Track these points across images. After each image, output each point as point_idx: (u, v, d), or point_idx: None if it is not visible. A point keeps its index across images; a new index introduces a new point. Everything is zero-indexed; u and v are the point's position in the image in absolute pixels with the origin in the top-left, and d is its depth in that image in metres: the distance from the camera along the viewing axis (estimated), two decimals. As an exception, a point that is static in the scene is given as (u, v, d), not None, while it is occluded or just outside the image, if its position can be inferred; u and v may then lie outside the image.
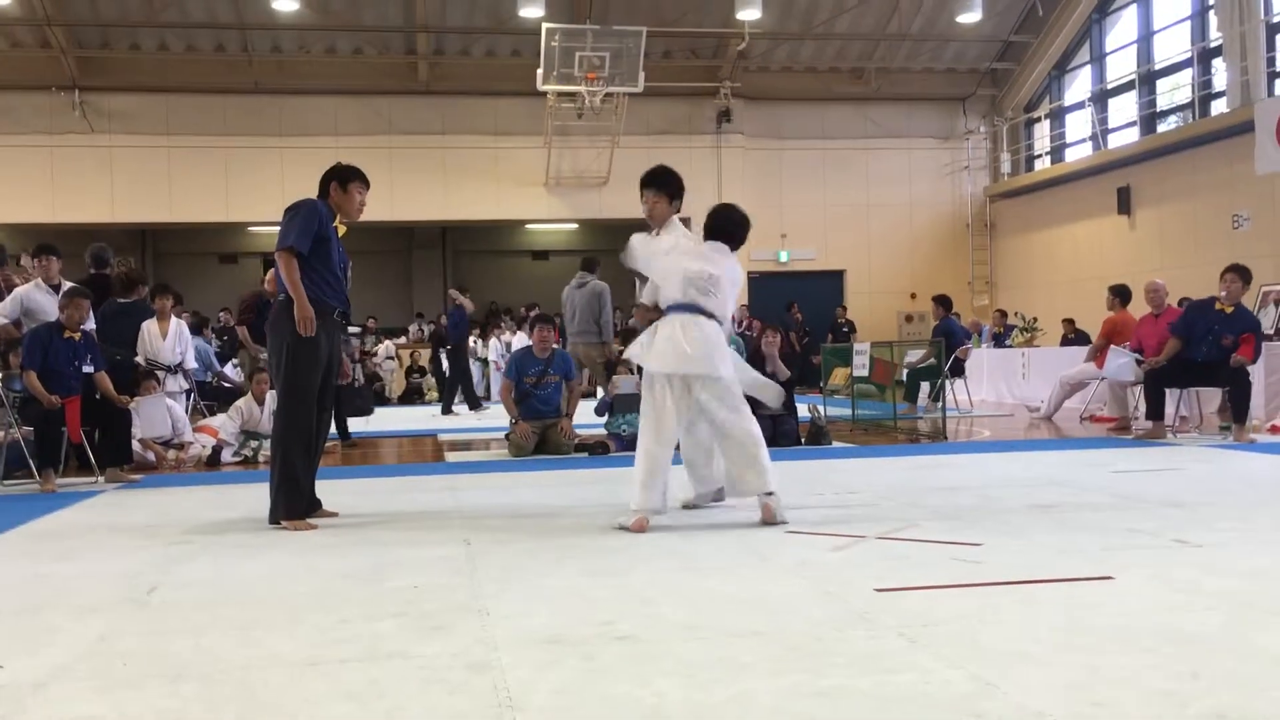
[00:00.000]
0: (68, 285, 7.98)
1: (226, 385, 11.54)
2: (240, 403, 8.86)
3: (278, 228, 5.21)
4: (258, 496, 5.54)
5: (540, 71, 17.06)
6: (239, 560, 4.33)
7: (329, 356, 5.27)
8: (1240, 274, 8.54)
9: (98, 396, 7.38)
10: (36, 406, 7.07)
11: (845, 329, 19.71)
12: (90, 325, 7.76)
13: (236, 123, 19.07)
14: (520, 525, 5.03)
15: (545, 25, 16.79)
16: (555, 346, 8.96)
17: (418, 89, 19.64)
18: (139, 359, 9.14)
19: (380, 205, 18.97)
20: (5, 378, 7.47)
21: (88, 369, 7.32)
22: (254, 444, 8.67)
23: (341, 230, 5.45)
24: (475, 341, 19.69)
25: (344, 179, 5.41)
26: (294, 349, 5.12)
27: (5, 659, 2.91)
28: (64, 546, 4.78)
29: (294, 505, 5.11)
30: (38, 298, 7.94)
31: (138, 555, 4.47)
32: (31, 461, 7.19)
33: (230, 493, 6.71)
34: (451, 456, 8.98)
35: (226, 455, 8.63)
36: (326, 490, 5.70)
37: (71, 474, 7.62)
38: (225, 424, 8.82)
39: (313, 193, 5.42)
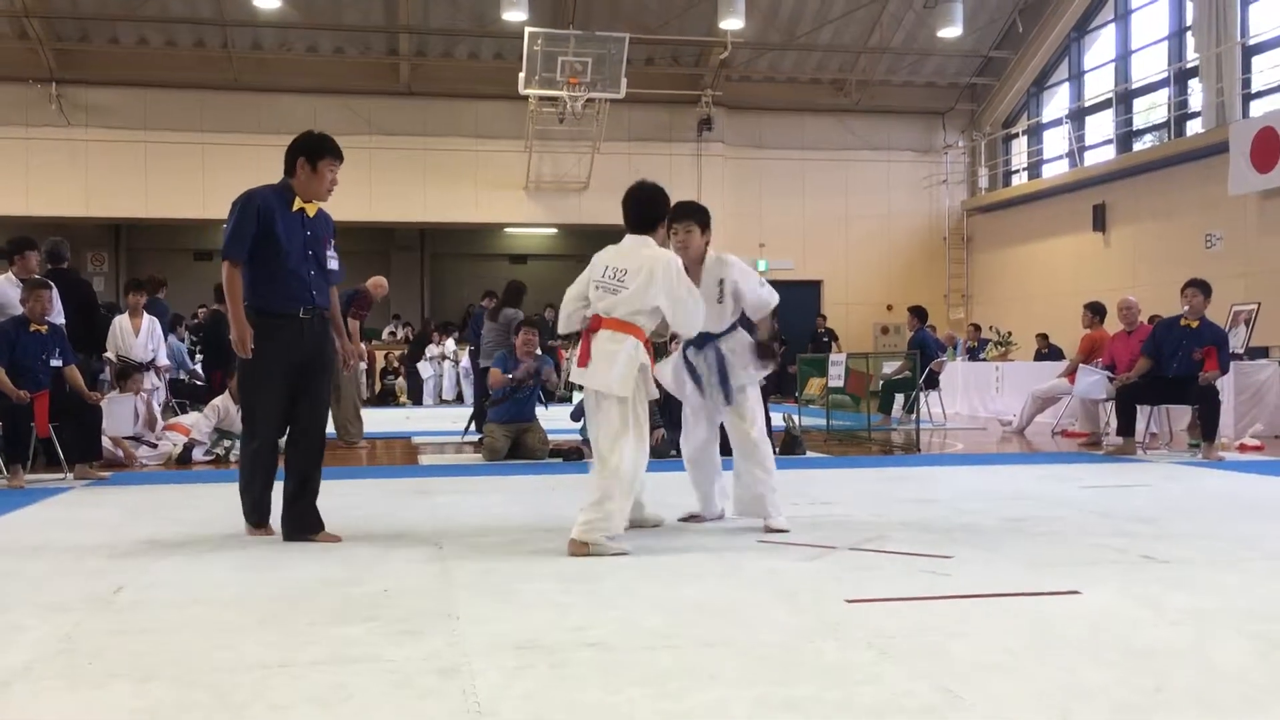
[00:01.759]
0: (10, 277, 7.87)
1: (199, 383, 11.47)
2: (217, 401, 8.81)
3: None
4: (228, 496, 5.48)
5: (522, 75, 17.06)
6: (208, 560, 4.30)
7: (302, 361, 4.72)
8: (1200, 288, 8.65)
9: (68, 389, 7.32)
10: (5, 401, 7.00)
11: (825, 338, 19.77)
12: (60, 319, 7.69)
13: (215, 119, 18.95)
14: (493, 530, 5.02)
15: (528, 29, 16.79)
16: (539, 352, 8.92)
17: (399, 90, 19.59)
18: (110, 355, 9.08)
19: (359, 206, 19.15)
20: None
21: (56, 363, 7.26)
22: (226, 443, 8.61)
23: (311, 209, 4.82)
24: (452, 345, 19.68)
25: (314, 155, 4.73)
26: (241, 368, 4.82)
27: (-31, 657, 2.88)
28: (31, 544, 4.73)
29: (249, 513, 4.87)
30: (10, 292, 7.84)
31: (105, 554, 4.43)
32: (-1, 456, 7.12)
33: (200, 492, 6.66)
34: (425, 459, 8.96)
35: (198, 454, 8.57)
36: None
37: (40, 470, 7.54)
38: (200, 422, 8.76)
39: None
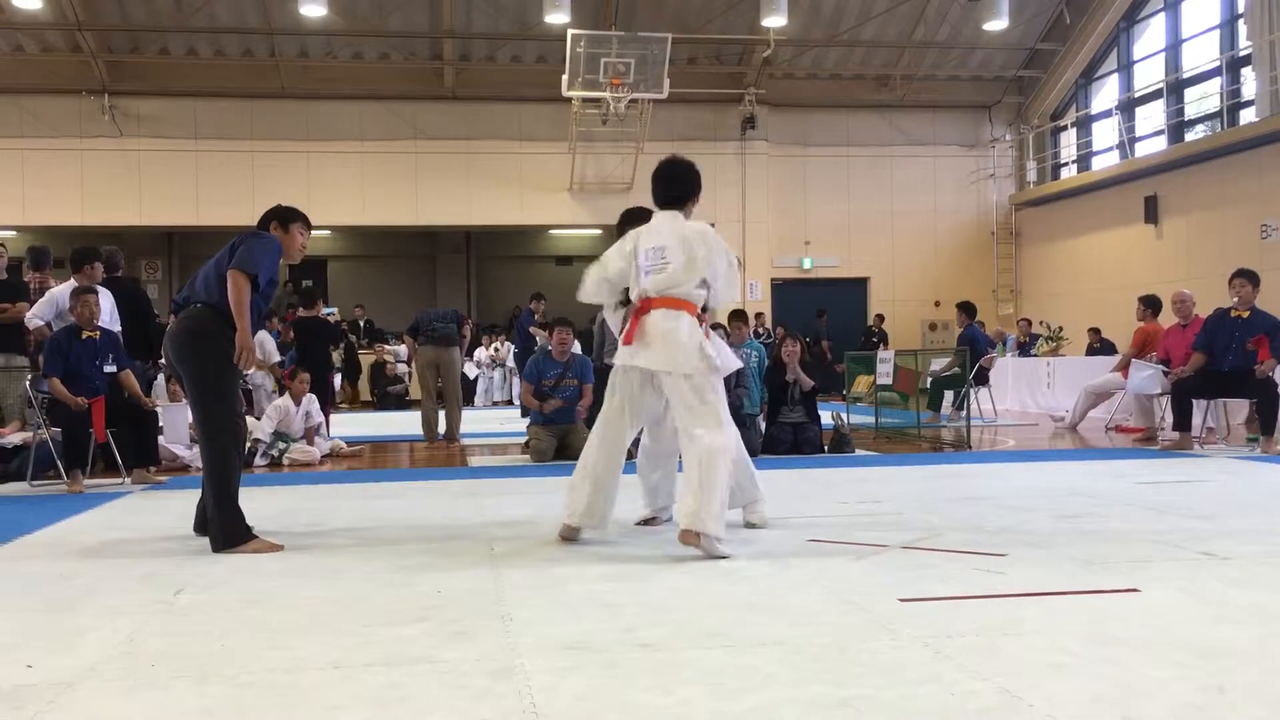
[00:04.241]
0: (74, 285, 8.00)
1: (246, 387, 11.62)
2: (280, 401, 8.96)
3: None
4: (282, 499, 5.58)
5: (565, 77, 17.11)
6: (264, 562, 4.36)
7: None
8: (1248, 278, 8.52)
9: (125, 395, 7.44)
10: (64, 408, 7.14)
11: (876, 339, 19.62)
12: (116, 326, 7.83)
13: (263, 127, 19.21)
14: (543, 530, 5.03)
15: (570, 31, 16.83)
16: (575, 351, 8.95)
17: (443, 94, 19.73)
18: (164, 360, 9.22)
19: (405, 210, 19.34)
20: (34, 379, 7.55)
21: (110, 368, 7.38)
22: (281, 445, 8.73)
23: None
24: (500, 347, 19.77)
25: (285, 219, 5.11)
26: (223, 377, 4.78)
27: (34, 658, 2.94)
28: (91, 547, 4.82)
29: (244, 529, 4.70)
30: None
31: (164, 557, 4.51)
32: (60, 462, 7.25)
33: (255, 495, 6.72)
34: (474, 461, 9.01)
35: (258, 458, 8.66)
36: (346, 494, 5.72)
37: (99, 475, 7.68)
38: (263, 424, 8.85)
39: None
